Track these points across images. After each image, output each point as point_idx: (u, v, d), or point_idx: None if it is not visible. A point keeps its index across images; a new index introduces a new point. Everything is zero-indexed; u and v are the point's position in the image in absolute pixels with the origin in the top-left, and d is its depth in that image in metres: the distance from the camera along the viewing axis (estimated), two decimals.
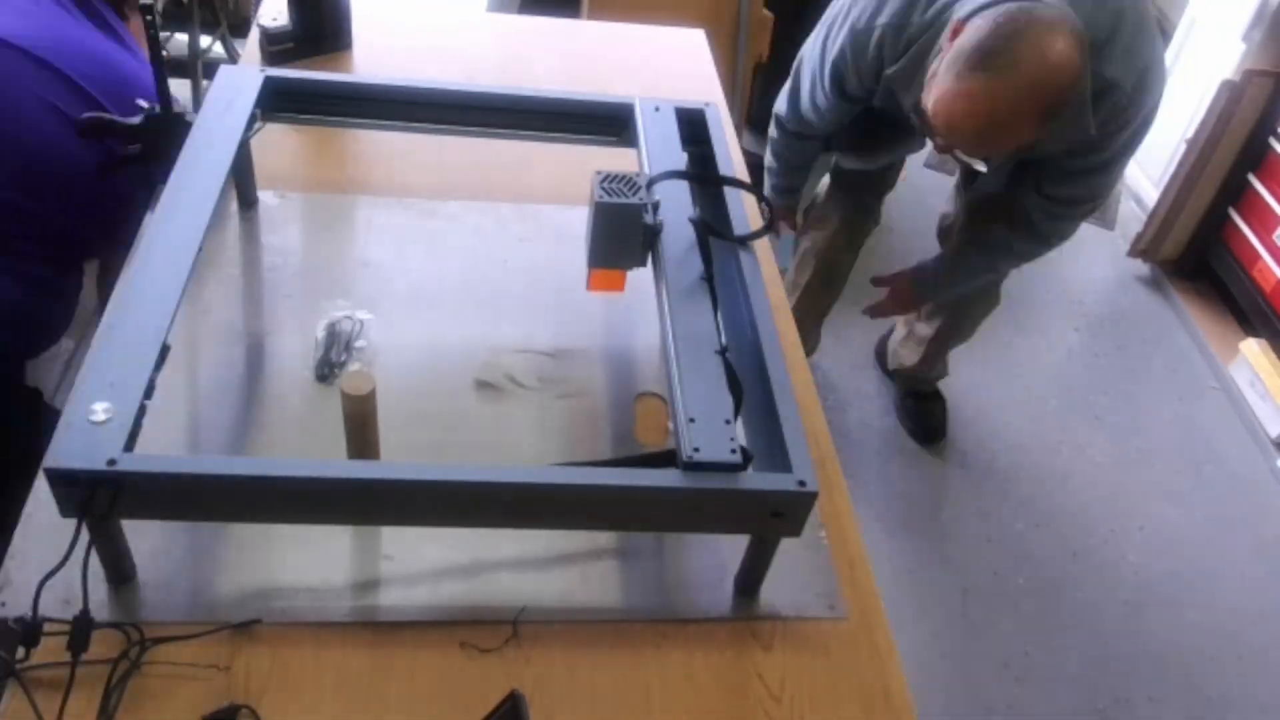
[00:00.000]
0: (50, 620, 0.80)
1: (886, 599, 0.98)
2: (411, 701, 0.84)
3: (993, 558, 2.28)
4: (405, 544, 0.95)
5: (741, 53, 2.88)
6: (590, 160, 1.16)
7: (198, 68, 2.58)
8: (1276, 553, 2.36)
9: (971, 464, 2.52)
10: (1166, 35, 3.70)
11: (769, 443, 0.90)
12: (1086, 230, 3.41)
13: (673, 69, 1.75)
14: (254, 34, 1.62)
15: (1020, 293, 3.09)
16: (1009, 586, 2.22)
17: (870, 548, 1.03)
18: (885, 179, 2.20)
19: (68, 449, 0.77)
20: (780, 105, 1.86)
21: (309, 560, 0.93)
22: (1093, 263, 3.29)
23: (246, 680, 0.83)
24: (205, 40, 2.66)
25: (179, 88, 2.59)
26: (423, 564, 0.94)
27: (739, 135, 2.88)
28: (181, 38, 2.57)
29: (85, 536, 0.79)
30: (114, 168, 1.27)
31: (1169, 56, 3.27)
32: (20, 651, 0.80)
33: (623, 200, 1.04)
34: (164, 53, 1.12)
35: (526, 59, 1.71)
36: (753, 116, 3.50)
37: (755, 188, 1.23)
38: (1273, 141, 2.78)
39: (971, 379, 2.76)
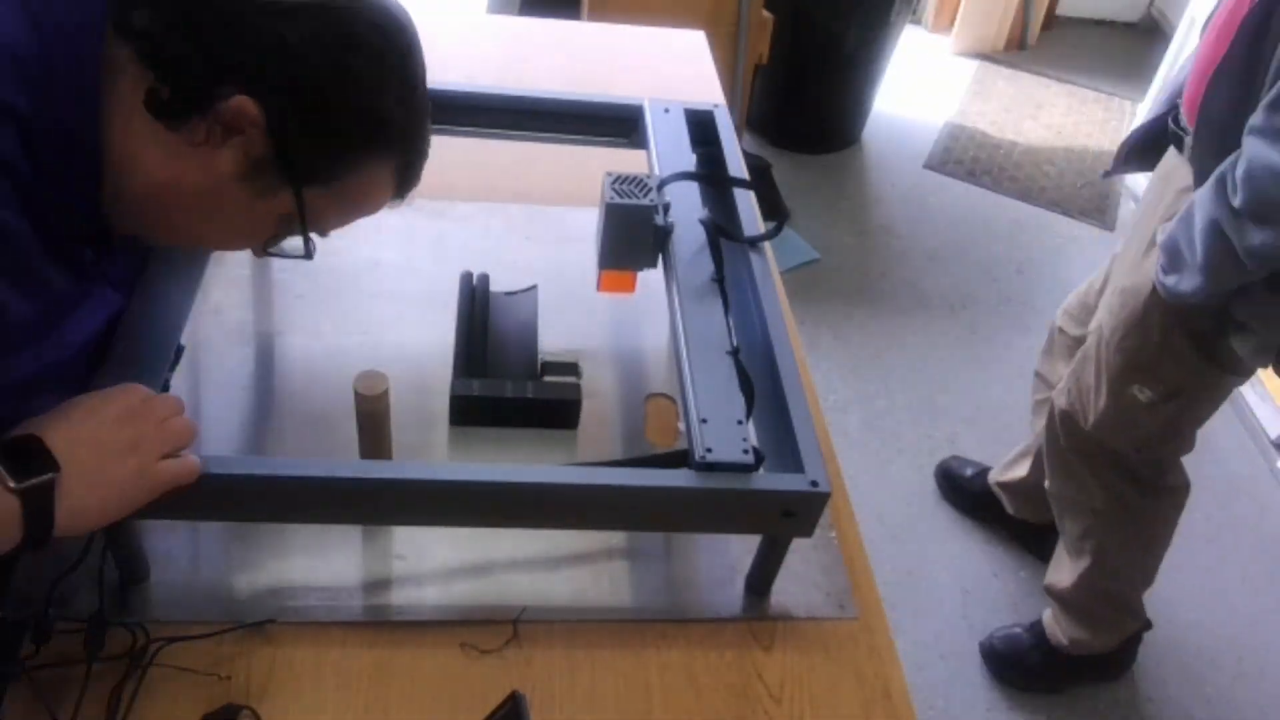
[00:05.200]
0: (62, 619, 0.81)
1: (886, 599, 0.99)
2: (412, 702, 0.84)
3: (992, 558, 2.29)
4: (417, 544, 0.96)
5: (741, 54, 2.88)
6: (598, 161, 1.16)
7: None
8: (1276, 553, 2.37)
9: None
10: (1166, 36, 3.71)
11: (780, 443, 0.91)
12: (1086, 231, 3.42)
13: (673, 71, 1.76)
14: None
15: (1020, 293, 3.11)
16: (1009, 587, 2.23)
17: (870, 548, 1.03)
18: None
19: None
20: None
21: (321, 560, 0.93)
22: (1092, 264, 3.29)
23: (247, 680, 0.84)
24: None
25: None
26: (434, 564, 0.94)
27: (739, 137, 2.88)
28: None
29: (101, 537, 0.80)
30: None
31: (1169, 57, 3.29)
32: (30, 649, 0.80)
33: (634, 201, 1.04)
34: None
35: (526, 60, 1.71)
36: (752, 118, 3.51)
37: (762, 189, 1.23)
38: None
39: (972, 379, 2.76)
